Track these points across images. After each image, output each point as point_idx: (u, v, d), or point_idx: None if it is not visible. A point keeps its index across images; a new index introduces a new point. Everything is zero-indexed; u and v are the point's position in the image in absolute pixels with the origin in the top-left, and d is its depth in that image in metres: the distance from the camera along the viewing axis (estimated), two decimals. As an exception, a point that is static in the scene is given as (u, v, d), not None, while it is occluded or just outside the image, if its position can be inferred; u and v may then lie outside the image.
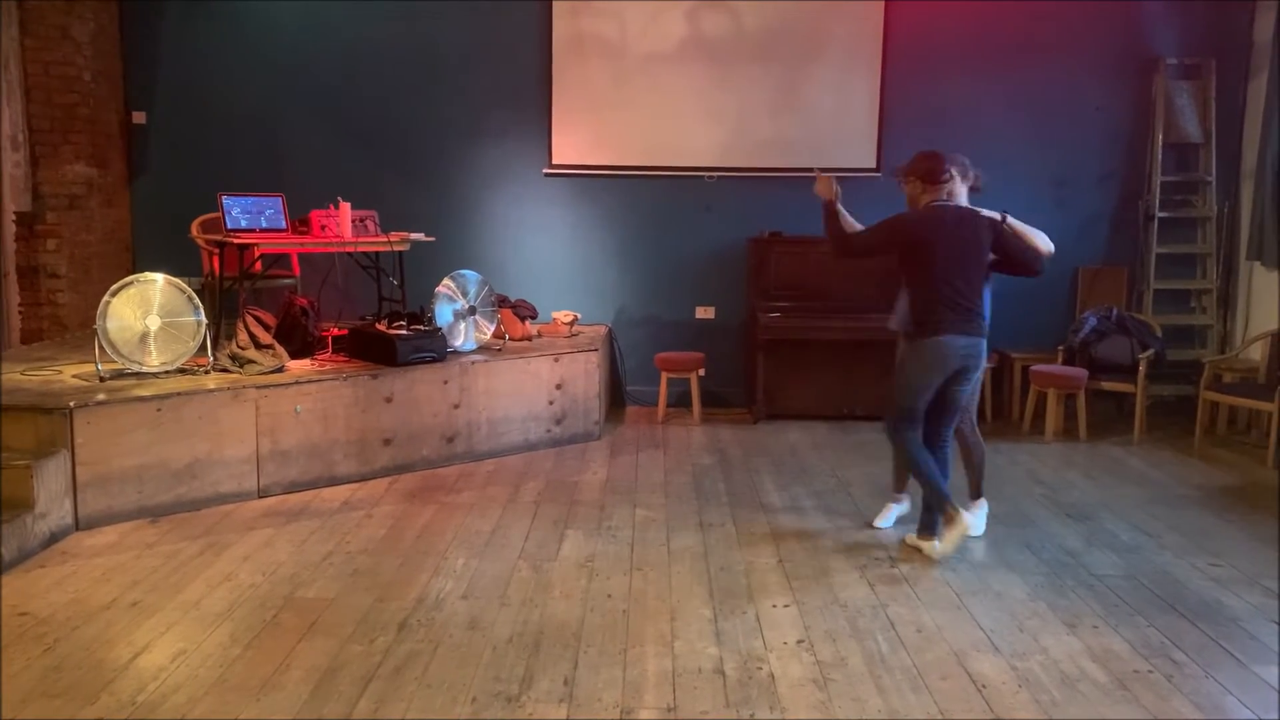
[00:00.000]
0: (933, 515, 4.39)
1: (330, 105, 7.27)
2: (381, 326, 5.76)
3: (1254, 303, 7.12)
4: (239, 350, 5.37)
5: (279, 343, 5.54)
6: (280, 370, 5.33)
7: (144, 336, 5.07)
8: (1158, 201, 7.22)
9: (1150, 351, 6.60)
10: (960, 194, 4.42)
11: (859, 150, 7.29)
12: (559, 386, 6.22)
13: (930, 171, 4.30)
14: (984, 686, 3.24)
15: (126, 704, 3.04)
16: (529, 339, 6.55)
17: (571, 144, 7.30)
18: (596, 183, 7.35)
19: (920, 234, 4.26)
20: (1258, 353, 6.73)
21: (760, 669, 3.33)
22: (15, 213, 6.50)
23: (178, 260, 6.37)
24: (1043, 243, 4.48)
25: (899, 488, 4.85)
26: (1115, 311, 6.80)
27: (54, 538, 4.39)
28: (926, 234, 4.25)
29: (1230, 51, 7.17)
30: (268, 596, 3.86)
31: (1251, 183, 7.05)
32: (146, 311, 5.07)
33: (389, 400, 5.48)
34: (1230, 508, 5.16)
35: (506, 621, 3.67)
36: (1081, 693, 3.21)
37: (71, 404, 4.49)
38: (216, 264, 5.98)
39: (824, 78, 7.24)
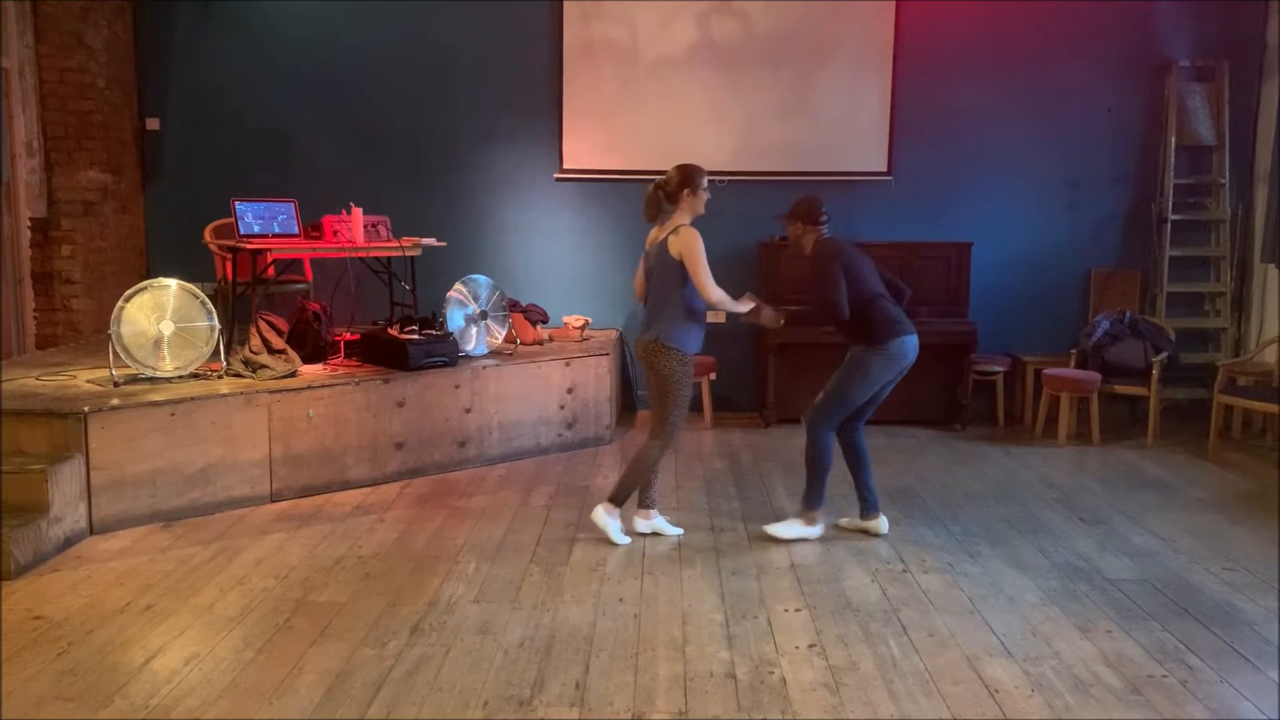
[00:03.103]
0: (871, 493, 4.71)
1: (342, 111, 7.30)
2: (393, 331, 5.77)
3: (1268, 306, 7.07)
4: (252, 355, 5.39)
5: (291, 348, 5.56)
6: (293, 375, 5.35)
7: (158, 342, 5.10)
8: (1170, 204, 7.19)
9: (1163, 355, 6.57)
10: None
11: (869, 154, 7.28)
12: (570, 391, 6.23)
13: (811, 213, 4.62)
14: (997, 691, 3.23)
15: (140, 708, 3.06)
16: (540, 343, 6.56)
17: (582, 149, 7.31)
18: (607, 187, 7.36)
19: (848, 257, 4.56)
20: (1272, 356, 6.69)
21: (772, 673, 3.33)
22: (30, 219, 6.55)
23: (191, 266, 6.41)
24: None
25: (646, 503, 4.74)
26: (1128, 315, 6.77)
27: (68, 542, 4.41)
28: (851, 257, 4.57)
29: (1243, 54, 7.14)
30: (280, 601, 3.87)
31: (1265, 185, 7.02)
32: (160, 317, 5.10)
33: (401, 405, 5.50)
34: (1244, 512, 5.13)
35: (518, 625, 3.67)
36: (1095, 697, 3.19)
37: (86, 409, 4.52)
38: (229, 269, 6.01)
39: (835, 81, 7.23)
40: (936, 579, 4.18)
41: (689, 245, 4.36)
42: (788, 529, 4.64)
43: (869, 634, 3.64)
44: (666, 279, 4.43)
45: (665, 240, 4.42)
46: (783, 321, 4.67)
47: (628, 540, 4.59)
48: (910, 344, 4.54)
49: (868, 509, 4.74)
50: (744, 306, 4.57)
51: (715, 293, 4.41)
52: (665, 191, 4.48)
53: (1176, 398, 7.25)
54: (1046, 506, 5.19)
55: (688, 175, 4.47)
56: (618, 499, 4.60)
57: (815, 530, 4.66)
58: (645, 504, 4.71)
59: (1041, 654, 3.49)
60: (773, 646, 3.53)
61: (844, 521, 4.83)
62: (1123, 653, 3.51)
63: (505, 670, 3.33)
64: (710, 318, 7.54)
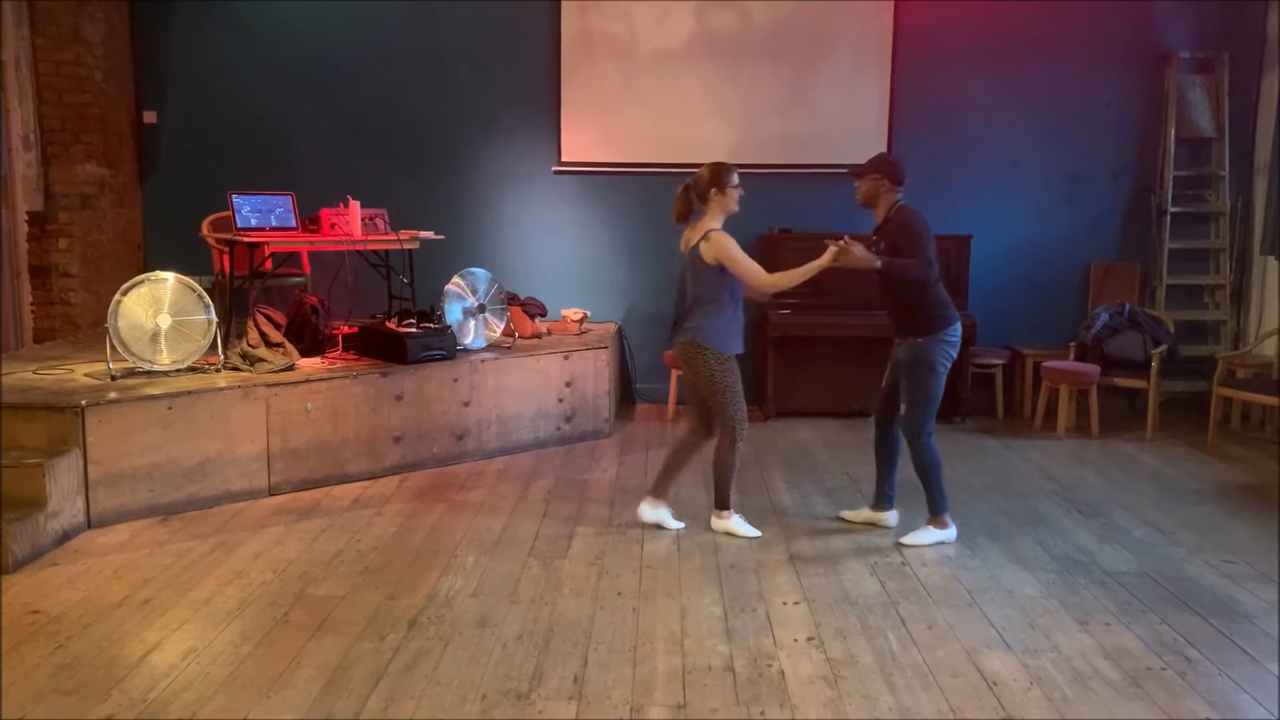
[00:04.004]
0: (891, 489, 4.67)
1: (340, 104, 7.28)
2: (391, 325, 5.76)
3: (1267, 298, 7.07)
4: (249, 349, 5.38)
5: (289, 341, 5.55)
6: (290, 368, 5.34)
7: (155, 335, 5.09)
8: (1170, 196, 7.18)
9: (1163, 347, 6.56)
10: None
11: (868, 147, 7.17)
12: (569, 384, 6.22)
13: (898, 171, 4.47)
14: (995, 684, 3.22)
15: (138, 701, 3.05)
16: (538, 337, 6.55)
17: (581, 142, 7.29)
18: (606, 180, 7.34)
19: (930, 229, 4.43)
20: (1271, 348, 6.69)
21: (770, 666, 3.33)
22: (27, 212, 6.53)
23: (188, 259, 6.39)
24: None
25: (661, 493, 4.70)
26: (1127, 307, 6.77)
27: (66, 536, 4.41)
28: (931, 230, 4.43)
29: (1243, 45, 7.12)
30: (278, 594, 3.87)
31: (1265, 177, 7.00)
32: (157, 310, 5.08)
33: (399, 398, 5.49)
34: (1243, 504, 5.13)
35: (516, 619, 3.67)
36: (1094, 690, 3.19)
37: (83, 403, 4.51)
38: (227, 263, 6.00)
39: (834, 74, 7.21)
40: (935, 572, 4.17)
41: (726, 250, 4.35)
42: (923, 536, 4.49)
43: (868, 627, 3.63)
44: (701, 282, 4.42)
45: (697, 246, 4.40)
46: (877, 264, 4.32)
47: (757, 532, 4.58)
48: (960, 329, 4.45)
49: (884, 504, 4.72)
50: (820, 263, 4.36)
51: (769, 280, 4.42)
52: (695, 191, 4.46)
53: (1176, 390, 7.24)
54: (1045, 499, 5.19)
55: (716, 173, 4.43)
56: (721, 502, 4.60)
57: (950, 533, 4.50)
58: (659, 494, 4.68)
59: (1040, 647, 3.49)
60: (771, 640, 3.52)
61: (846, 514, 4.83)
62: (1121, 645, 3.51)
63: (503, 664, 3.32)
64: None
